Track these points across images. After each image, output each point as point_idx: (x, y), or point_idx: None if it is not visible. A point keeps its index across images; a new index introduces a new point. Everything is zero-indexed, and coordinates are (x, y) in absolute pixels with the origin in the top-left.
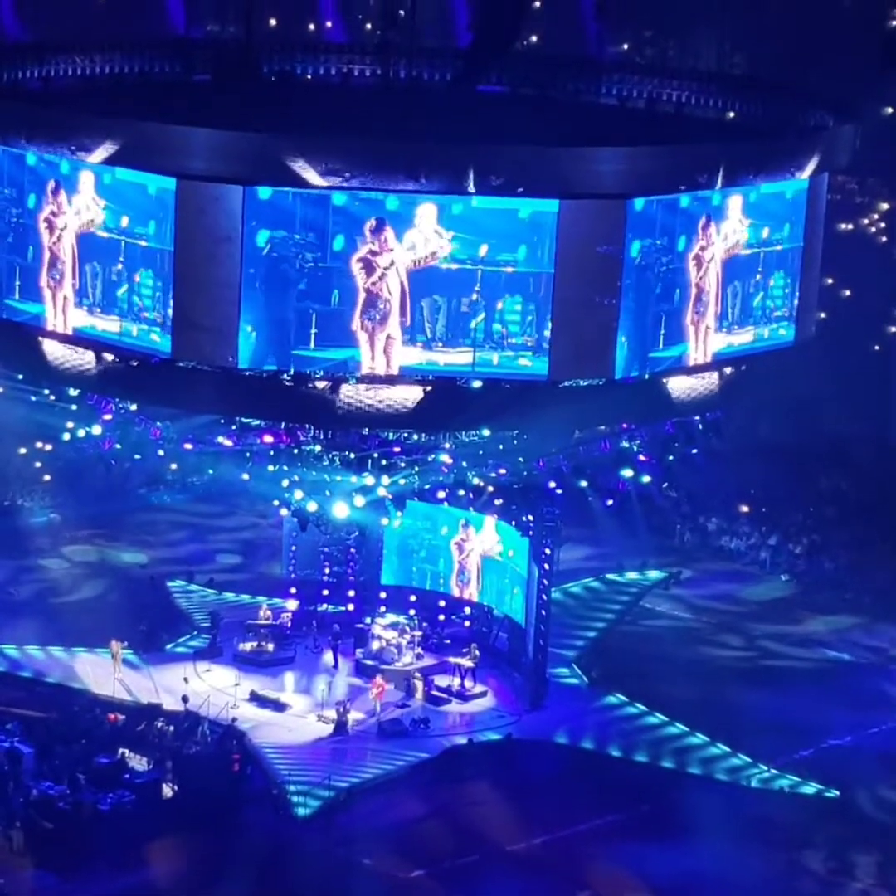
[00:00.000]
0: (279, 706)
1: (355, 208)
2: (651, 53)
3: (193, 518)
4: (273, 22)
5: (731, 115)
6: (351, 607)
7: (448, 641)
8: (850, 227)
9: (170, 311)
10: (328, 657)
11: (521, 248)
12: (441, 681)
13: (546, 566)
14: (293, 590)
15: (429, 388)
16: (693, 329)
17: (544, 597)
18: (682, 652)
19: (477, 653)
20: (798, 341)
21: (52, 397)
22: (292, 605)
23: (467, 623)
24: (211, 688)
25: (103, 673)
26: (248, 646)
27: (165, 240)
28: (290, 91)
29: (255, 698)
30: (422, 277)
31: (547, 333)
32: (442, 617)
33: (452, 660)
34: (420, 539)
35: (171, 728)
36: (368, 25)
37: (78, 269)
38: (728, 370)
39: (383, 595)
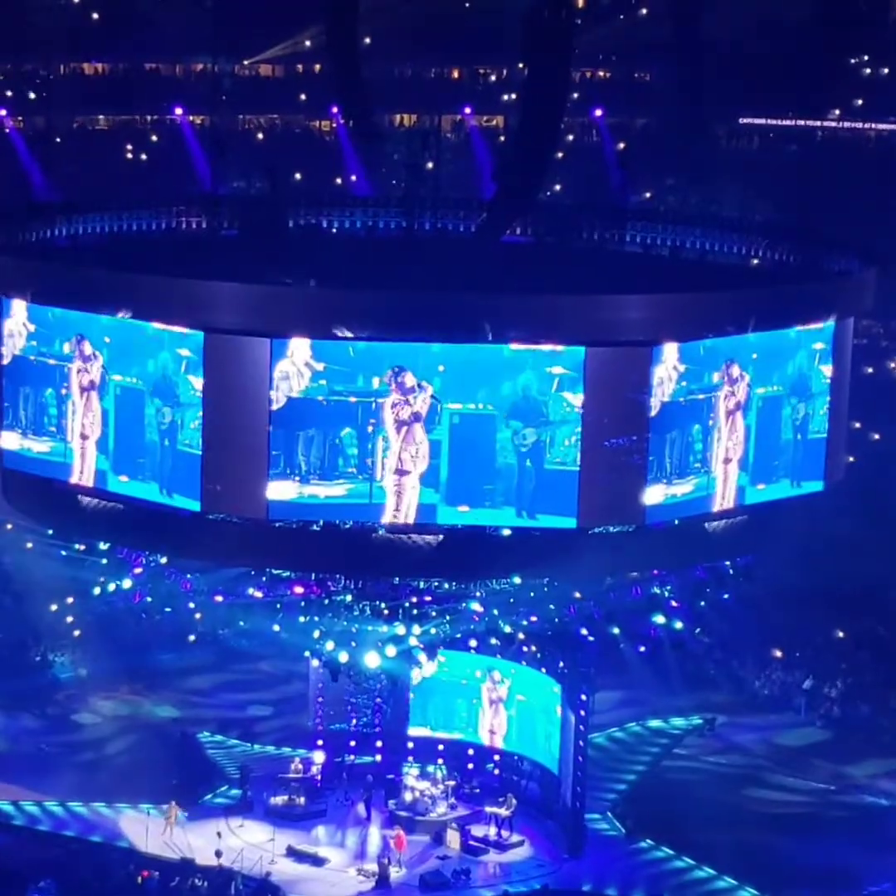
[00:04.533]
0: (317, 860)
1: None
2: (673, 201)
3: (224, 670)
4: (299, 176)
5: (755, 261)
6: (379, 758)
7: (478, 790)
8: (872, 370)
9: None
10: (360, 809)
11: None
12: (477, 830)
13: (582, 713)
14: (320, 742)
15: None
16: (723, 470)
17: (581, 744)
18: (719, 799)
19: (514, 801)
20: (827, 485)
21: (83, 549)
22: (319, 757)
23: (496, 771)
24: (244, 843)
25: (138, 828)
26: (279, 800)
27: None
28: (317, 244)
29: (293, 853)
30: (299, 410)
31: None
32: (471, 766)
33: (489, 809)
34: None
35: (205, 883)
36: (393, 181)
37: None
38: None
39: (411, 745)
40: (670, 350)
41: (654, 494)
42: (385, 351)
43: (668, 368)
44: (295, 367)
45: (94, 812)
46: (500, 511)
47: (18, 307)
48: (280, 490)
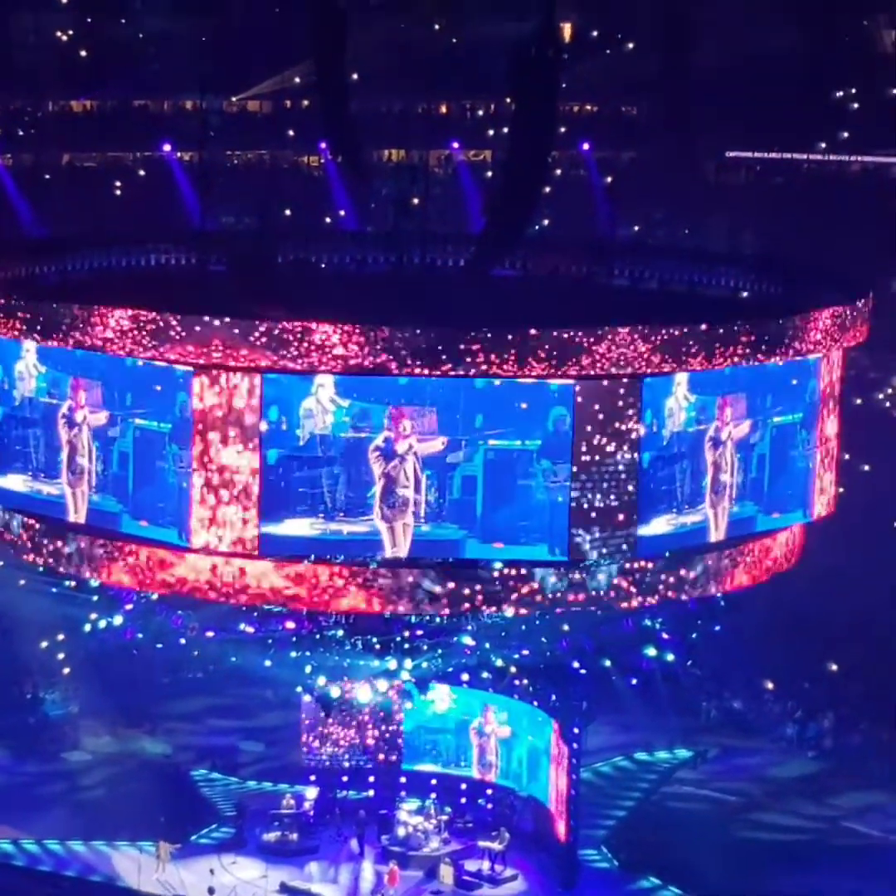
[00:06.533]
0: None
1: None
2: (662, 235)
3: (216, 705)
4: (288, 212)
5: (744, 294)
6: (371, 793)
7: (471, 825)
8: (861, 401)
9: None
10: (353, 845)
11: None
12: (471, 865)
13: (574, 745)
14: (312, 777)
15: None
16: (712, 508)
17: (574, 777)
18: (713, 832)
19: (507, 835)
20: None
21: (74, 586)
22: (312, 792)
23: (489, 805)
24: (237, 880)
25: (129, 866)
26: (271, 836)
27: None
28: (305, 280)
29: (286, 890)
30: (323, 447)
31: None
32: (464, 800)
33: (482, 843)
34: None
35: None
36: (382, 216)
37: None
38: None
39: (403, 780)
40: (680, 380)
41: (659, 524)
42: (426, 385)
43: (678, 399)
44: (319, 405)
45: (81, 850)
46: (534, 548)
47: (29, 348)
48: (301, 527)
